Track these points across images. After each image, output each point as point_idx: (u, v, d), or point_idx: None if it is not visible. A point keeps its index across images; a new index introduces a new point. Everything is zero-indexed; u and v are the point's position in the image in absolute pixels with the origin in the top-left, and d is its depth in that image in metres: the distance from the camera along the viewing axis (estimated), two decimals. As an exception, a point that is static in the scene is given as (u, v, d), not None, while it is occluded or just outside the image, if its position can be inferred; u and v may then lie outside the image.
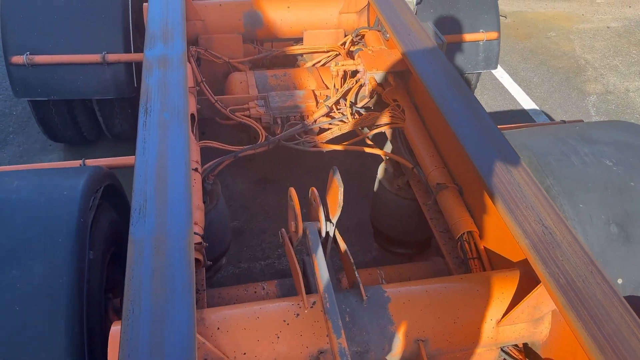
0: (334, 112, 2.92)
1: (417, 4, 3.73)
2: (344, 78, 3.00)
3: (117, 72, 3.37)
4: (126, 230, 1.65)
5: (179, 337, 1.37)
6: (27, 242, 1.72)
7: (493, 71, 5.30)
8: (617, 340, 1.41)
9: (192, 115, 2.54)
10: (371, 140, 2.90)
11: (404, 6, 3.08)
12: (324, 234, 1.81)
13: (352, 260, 1.75)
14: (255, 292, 2.18)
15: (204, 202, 2.26)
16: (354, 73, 3.00)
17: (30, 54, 3.24)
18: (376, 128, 2.81)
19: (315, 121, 2.88)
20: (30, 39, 3.29)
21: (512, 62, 6.01)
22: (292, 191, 1.86)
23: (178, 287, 1.48)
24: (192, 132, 2.44)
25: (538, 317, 1.70)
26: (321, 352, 1.59)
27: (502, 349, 1.84)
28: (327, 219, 1.80)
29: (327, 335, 1.56)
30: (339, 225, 1.88)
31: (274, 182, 3.95)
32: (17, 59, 3.24)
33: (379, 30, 3.25)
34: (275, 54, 3.56)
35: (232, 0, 3.53)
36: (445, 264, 2.27)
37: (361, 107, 2.93)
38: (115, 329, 1.52)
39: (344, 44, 3.49)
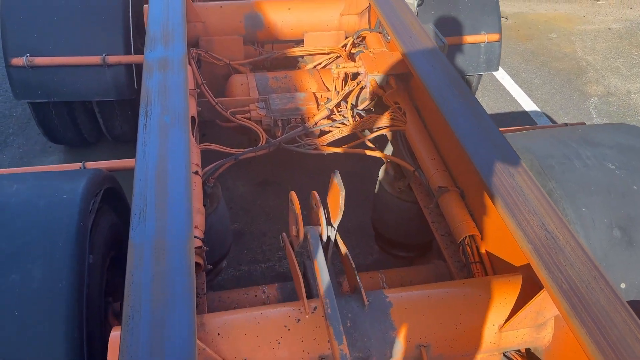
0: (335, 114, 2.91)
1: (418, 5, 3.72)
2: (345, 80, 2.99)
3: (118, 73, 3.36)
4: (126, 233, 1.64)
5: (179, 343, 1.36)
6: (26, 246, 1.71)
7: (494, 72, 5.29)
8: (621, 346, 1.39)
9: (193, 118, 2.53)
10: (372, 142, 2.89)
11: (405, 8, 3.07)
12: (325, 238, 1.80)
13: (353, 265, 1.74)
14: (255, 295, 2.17)
15: (205, 205, 2.25)
16: (355, 75, 2.99)
17: (30, 56, 3.23)
18: (377, 131, 2.80)
19: (316, 124, 2.87)
20: (30, 40, 3.28)
21: (513, 63, 6.00)
22: (293, 195, 1.85)
23: (178, 292, 1.47)
24: (193, 134, 2.43)
25: (541, 322, 1.69)
26: (322, 358, 1.58)
27: (504, 355, 1.84)
28: (329, 223, 1.79)
29: (328, 341, 1.55)
30: (339, 228, 1.87)
31: (275, 184, 3.94)
32: (17, 61, 3.23)
33: (380, 32, 3.24)
34: (276, 55, 3.55)
35: (233, 2, 3.52)
36: (447, 267, 2.26)
37: (362, 110, 2.92)
38: (115, 334, 1.51)
39: (345, 45, 3.48)
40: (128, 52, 3.38)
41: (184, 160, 1.88)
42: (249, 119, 2.88)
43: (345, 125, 2.84)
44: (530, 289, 1.70)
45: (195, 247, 1.87)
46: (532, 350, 1.82)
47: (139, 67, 3.24)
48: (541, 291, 1.58)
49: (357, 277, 1.68)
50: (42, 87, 3.33)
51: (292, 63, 3.77)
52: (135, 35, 3.45)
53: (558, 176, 2.12)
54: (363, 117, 2.85)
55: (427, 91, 2.39)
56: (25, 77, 3.29)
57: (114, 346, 1.47)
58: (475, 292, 1.76)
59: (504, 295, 1.74)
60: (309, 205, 1.98)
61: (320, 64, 3.55)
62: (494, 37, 3.93)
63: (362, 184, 3.76)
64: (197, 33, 3.37)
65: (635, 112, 5.23)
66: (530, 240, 1.64)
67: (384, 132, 2.81)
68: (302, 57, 3.68)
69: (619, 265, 1.97)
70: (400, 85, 2.84)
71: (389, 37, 3.06)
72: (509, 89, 5.52)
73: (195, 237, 1.92)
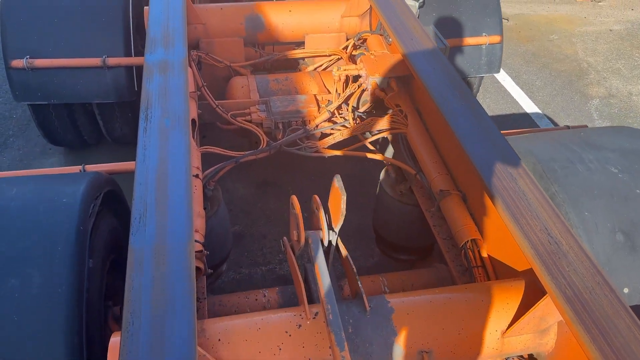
0: (336, 117, 2.90)
1: (420, 7, 3.71)
2: (346, 83, 2.98)
3: (118, 75, 3.35)
4: (126, 236, 1.63)
5: (179, 349, 1.35)
6: (26, 250, 1.70)
7: (495, 74, 5.28)
8: (625, 352, 1.38)
9: (193, 121, 2.52)
10: (373, 145, 2.88)
11: (406, 10, 3.06)
12: (326, 243, 1.79)
13: (355, 270, 1.73)
14: (256, 299, 2.15)
15: (205, 209, 2.24)
16: (356, 78, 2.97)
17: (30, 58, 3.22)
18: (378, 133, 2.79)
19: (317, 126, 2.86)
20: (30, 42, 3.27)
21: (514, 65, 5.99)
22: (295, 199, 1.84)
23: (178, 298, 1.46)
24: (193, 137, 2.42)
25: (544, 328, 1.68)
26: (324, 364, 1.57)
27: (507, 360, 1.82)
28: (330, 227, 1.78)
29: (329, 347, 1.54)
30: (340, 231, 1.85)
31: (275, 186, 3.93)
32: (17, 63, 3.22)
33: (381, 35, 3.23)
34: (276, 57, 3.54)
35: (234, 3, 3.51)
36: (448, 271, 2.25)
37: (363, 112, 2.91)
38: (114, 340, 1.50)
39: (346, 48, 3.47)
40: (128, 54, 3.37)
41: (184, 163, 1.87)
42: (250, 121, 2.87)
43: (346, 127, 2.83)
44: (533, 294, 1.69)
45: (196, 251, 1.86)
46: (535, 356, 1.81)
47: (139, 69, 3.23)
48: (544, 297, 1.56)
49: (359, 282, 1.67)
50: (42, 89, 3.32)
51: (293, 65, 3.76)
52: (135, 37, 3.44)
53: (561, 180, 2.11)
54: (364, 119, 2.84)
55: (428, 94, 2.38)
56: (25, 79, 3.28)
57: (113, 352, 1.46)
58: (477, 297, 1.75)
59: (506, 300, 1.73)
60: (310, 209, 1.96)
61: (321, 66, 3.54)
62: (496, 39, 3.92)
63: (362, 186, 3.75)
64: (197, 35, 3.36)
65: (637, 114, 5.22)
66: (533, 245, 1.63)
67: (385, 134, 2.80)
68: (302, 59, 3.67)
69: (622, 269, 1.95)
70: (401, 88, 2.83)
71: (390, 39, 3.05)
72: (510, 90, 5.50)
73: (196, 241, 1.91)
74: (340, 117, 2.90)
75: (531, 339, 1.71)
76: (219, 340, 1.55)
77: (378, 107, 2.96)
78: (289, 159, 2.77)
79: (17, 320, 1.60)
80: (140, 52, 3.43)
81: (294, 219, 1.86)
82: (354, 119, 2.85)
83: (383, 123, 2.77)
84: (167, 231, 1.63)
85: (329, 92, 3.16)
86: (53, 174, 2.44)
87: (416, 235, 2.64)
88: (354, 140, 2.85)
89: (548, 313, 1.61)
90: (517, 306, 1.71)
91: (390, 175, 2.69)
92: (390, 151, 3.00)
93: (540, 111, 5.19)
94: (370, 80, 2.81)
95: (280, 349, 1.56)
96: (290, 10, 3.49)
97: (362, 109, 2.93)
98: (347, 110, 2.89)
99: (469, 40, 3.87)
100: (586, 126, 3.05)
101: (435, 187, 2.38)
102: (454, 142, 2.14)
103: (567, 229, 1.69)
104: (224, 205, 2.42)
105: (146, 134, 1.98)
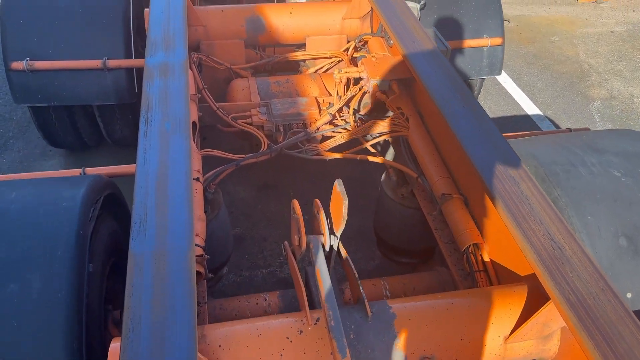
0: (337, 119, 2.89)
1: (421, 9, 3.70)
2: (347, 85, 2.97)
3: (118, 77, 3.34)
4: (126, 239, 1.62)
5: (179, 356, 1.34)
6: (25, 255, 1.69)
7: (496, 76, 5.27)
8: (629, 359, 1.37)
9: (194, 123, 2.51)
10: (374, 148, 2.87)
11: (407, 12, 3.04)
12: (327, 248, 1.78)
13: (356, 275, 1.72)
14: (257, 303, 2.14)
15: (205, 212, 2.23)
16: (357, 80, 2.96)
17: (30, 60, 3.22)
18: (379, 136, 2.77)
19: (318, 129, 2.85)
20: (30, 44, 3.26)
21: (515, 66, 5.98)
22: (296, 204, 1.83)
23: (179, 304, 1.44)
24: (194, 140, 2.41)
25: (547, 334, 1.67)
26: (325, 370, 1.55)
27: (509, 366, 1.81)
28: (331, 232, 1.77)
29: (331, 354, 1.52)
30: (341, 234, 1.84)
31: (276, 189, 3.92)
32: (17, 65, 3.21)
33: (382, 37, 3.22)
34: (277, 59, 3.53)
35: (234, 5, 3.51)
36: (450, 275, 2.24)
37: (364, 115, 2.90)
38: (114, 346, 1.49)
39: (347, 50, 3.46)
40: (129, 56, 3.36)
41: (184, 167, 1.86)
42: (250, 124, 2.86)
43: (348, 130, 2.82)
44: (536, 299, 1.68)
45: (196, 256, 1.84)
46: (537, 362, 1.80)
47: (140, 71, 3.22)
48: (548, 302, 1.55)
49: (361, 288, 1.66)
50: (42, 91, 3.31)
51: (294, 67, 3.75)
52: (136, 38, 3.43)
53: (563, 183, 2.10)
54: (365, 122, 2.83)
55: (430, 97, 2.37)
56: (25, 81, 3.27)
57: (113, 358, 1.45)
58: (480, 302, 1.73)
59: (509, 305, 1.71)
60: (312, 213, 1.95)
61: (322, 68, 3.53)
62: (497, 40, 3.90)
63: (363, 188, 3.74)
64: (198, 37, 3.35)
65: (639, 116, 5.21)
66: (536, 250, 1.61)
67: (386, 137, 2.78)
68: (303, 61, 3.66)
69: (625, 274, 1.94)
70: (403, 90, 2.82)
71: (391, 42, 3.04)
72: (511, 92, 5.49)
73: (196, 245, 1.90)
74: (342, 120, 2.89)
75: (534, 345, 1.69)
76: (220, 346, 1.54)
77: (379, 110, 2.95)
78: (289, 161, 2.76)
79: (17, 325, 1.59)
80: (140, 54, 3.42)
81: (295, 223, 1.85)
82: (355, 121, 2.84)
83: (384, 126, 2.76)
84: (167, 236, 1.62)
85: (330, 95, 3.15)
86: (53, 177, 2.43)
87: (417, 239, 2.63)
88: (355, 142, 2.84)
89: (551, 319, 1.60)
90: (519, 312, 1.70)
91: (392, 178, 2.68)
92: (391, 154, 2.99)
93: (541, 113, 5.18)
94: (372, 83, 2.80)
95: (281, 355, 1.54)
96: (291, 12, 3.48)
97: (363, 112, 2.92)
98: (348, 112, 2.88)
99: (470, 42, 3.86)
100: (588, 129, 3.04)
101: (437, 191, 2.36)
102: (456, 145, 2.13)
103: (570, 233, 1.68)
104: (224, 208, 2.41)
105: (147, 137, 1.97)
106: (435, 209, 2.38)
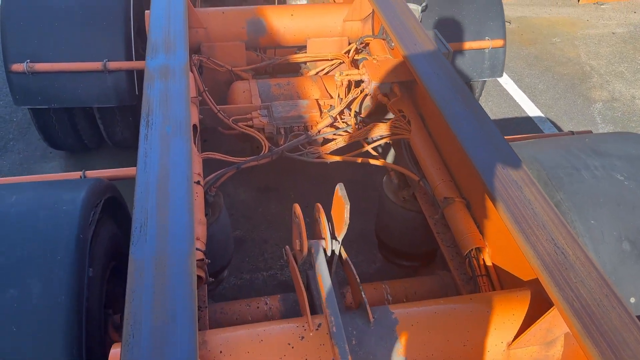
0: (338, 122, 2.88)
1: (422, 11, 3.69)
2: (349, 87, 2.96)
3: (119, 80, 3.33)
4: (127, 243, 1.61)
5: (180, 362, 1.33)
6: (25, 260, 1.69)
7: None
8: (634, 366, 1.36)
9: (194, 126, 2.50)
10: (375, 150, 2.86)
11: (409, 14, 3.03)
12: (329, 253, 1.77)
13: (358, 280, 1.70)
14: (258, 307, 2.13)
15: (206, 215, 2.22)
16: (359, 83, 2.95)
17: (30, 62, 3.21)
18: (381, 139, 2.76)
19: (319, 132, 2.84)
20: (30, 46, 3.25)
21: (516, 68, 5.96)
22: (297, 208, 1.82)
23: (179, 310, 1.43)
24: (194, 143, 2.40)
25: (550, 340, 1.65)
26: (327, 376, 1.54)
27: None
28: (333, 236, 1.76)
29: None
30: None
31: (276, 191, 3.91)
32: (18, 67, 3.21)
33: (383, 39, 3.21)
34: (278, 61, 3.52)
35: (235, 7, 3.49)
36: (452, 278, 2.22)
37: (366, 118, 2.89)
38: (114, 352, 1.48)
39: (348, 52, 3.45)
40: (129, 58, 3.35)
41: (185, 171, 1.85)
42: (251, 126, 2.85)
43: (349, 133, 2.80)
44: (539, 304, 1.66)
45: (197, 260, 1.83)
46: (540, 368, 1.79)
47: (140, 73, 3.21)
48: (551, 308, 1.54)
49: (363, 293, 1.64)
50: (43, 93, 3.30)
51: (295, 69, 3.74)
52: (136, 40, 3.42)
53: (566, 187, 2.08)
54: (367, 125, 2.82)
55: (432, 100, 2.35)
56: (26, 83, 3.26)
57: (113, 364, 1.44)
58: (482, 308, 1.72)
59: (512, 311, 1.70)
60: (313, 217, 1.94)
61: (323, 70, 3.52)
62: (498, 42, 3.89)
63: (365, 191, 3.73)
64: (199, 39, 3.34)
65: (640, 118, 5.20)
66: (539, 256, 1.60)
67: (387, 140, 2.77)
68: (304, 63, 3.65)
69: (628, 279, 1.93)
70: (404, 93, 2.81)
71: (392, 44, 3.03)
72: (513, 94, 5.48)
73: (197, 249, 1.89)
74: (343, 123, 2.88)
75: (537, 352, 1.68)
76: (221, 352, 1.53)
77: (381, 112, 2.94)
78: (290, 163, 2.75)
79: (16, 331, 1.58)
80: (141, 56, 3.41)
81: (297, 227, 1.84)
82: (356, 124, 2.83)
83: (386, 128, 2.75)
84: (168, 241, 1.61)
85: (331, 97, 3.13)
86: (53, 180, 2.42)
87: (419, 242, 2.61)
88: (357, 145, 2.83)
89: (555, 324, 1.59)
90: (523, 317, 1.69)
91: (393, 181, 2.67)
92: (393, 157, 2.97)
93: (542, 115, 5.17)
94: (373, 86, 2.79)
95: (282, 361, 1.53)
96: (292, 14, 3.47)
97: (364, 114, 2.90)
98: (350, 115, 2.87)
99: (472, 44, 3.85)
100: (590, 131, 3.03)
101: (438, 194, 2.35)
102: (458, 148, 2.11)
103: (574, 238, 1.67)
104: (225, 211, 2.40)
105: (147, 141, 1.96)
106: (437, 212, 2.37)
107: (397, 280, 2.31)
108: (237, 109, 2.97)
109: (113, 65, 3.27)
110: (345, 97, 2.91)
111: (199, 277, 1.87)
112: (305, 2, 5.37)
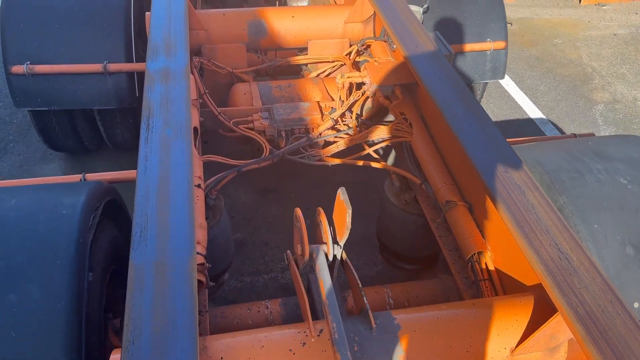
0: (340, 124, 2.87)
1: (424, 13, 3.68)
2: (350, 90, 2.94)
3: (119, 81, 3.32)
4: (127, 246, 1.60)
5: (181, 369, 1.32)
6: (24, 264, 1.67)
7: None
8: (639, 373, 1.35)
9: (195, 129, 2.48)
10: (377, 153, 2.85)
11: (410, 16, 3.02)
12: (331, 258, 1.75)
13: (360, 285, 1.69)
14: (258, 311, 2.12)
15: (207, 218, 2.21)
16: (360, 85, 2.94)
17: (30, 64, 3.20)
18: (382, 142, 2.75)
19: (320, 134, 2.83)
20: (30, 48, 3.24)
21: (518, 69, 5.95)
22: (299, 212, 1.80)
23: (180, 316, 1.42)
24: (195, 145, 2.39)
25: (554, 346, 1.64)
26: (328, 383, 1.53)
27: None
28: (335, 241, 1.75)
29: (335, 366, 1.50)
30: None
31: (277, 193, 3.89)
32: (17, 69, 3.20)
33: (385, 41, 3.20)
34: (279, 63, 3.51)
35: (236, 9, 3.48)
36: (454, 282, 2.21)
37: (367, 120, 2.87)
38: (114, 358, 1.47)
39: (350, 54, 3.43)
40: (130, 60, 3.34)
41: (186, 174, 1.83)
42: (252, 129, 2.83)
43: (350, 135, 2.79)
44: (543, 310, 1.65)
45: (197, 264, 1.82)
46: (544, 374, 1.77)
47: (141, 74, 3.20)
48: (555, 314, 1.53)
49: (365, 299, 1.63)
50: (43, 95, 3.29)
51: (296, 71, 3.72)
52: (137, 41, 3.41)
53: (569, 191, 2.07)
54: (368, 127, 2.81)
55: (433, 102, 2.34)
56: (26, 85, 3.25)
57: (113, 371, 1.43)
58: (485, 313, 1.71)
59: (515, 316, 1.69)
60: (314, 221, 1.93)
61: (324, 72, 3.50)
62: (500, 44, 3.88)
63: (366, 194, 3.72)
64: (199, 41, 3.33)
65: (642, 120, 5.18)
66: (543, 261, 1.59)
67: (389, 143, 2.76)
68: (305, 65, 3.64)
69: (632, 283, 1.92)
70: (406, 96, 2.80)
71: (394, 46, 3.01)
72: (514, 95, 5.47)
73: (198, 253, 1.88)
74: (344, 125, 2.86)
75: (541, 358, 1.66)
76: (222, 358, 1.51)
77: (382, 115, 2.92)
78: (291, 166, 2.74)
79: (16, 336, 1.57)
80: (141, 57, 3.40)
81: (298, 232, 1.82)
82: (357, 126, 2.82)
83: (387, 131, 2.74)
84: (168, 245, 1.59)
85: (333, 99, 3.12)
86: (53, 183, 2.40)
87: (421, 245, 2.60)
88: (358, 148, 2.81)
89: (559, 331, 1.57)
90: (526, 323, 1.67)
91: (395, 184, 2.66)
92: (395, 160, 2.96)
93: (544, 117, 5.15)
94: (374, 88, 2.78)
95: (284, 368, 1.52)
96: (293, 16, 3.45)
97: (365, 117, 2.89)
98: (351, 117, 2.85)
99: (474, 46, 3.84)
100: (593, 134, 3.01)
101: (440, 198, 2.34)
102: (460, 151, 2.10)
103: (578, 243, 1.66)
104: (226, 214, 2.38)
105: (148, 144, 1.95)
106: (439, 216, 2.36)
107: (398, 284, 2.30)
108: (238, 111, 2.95)
109: (113, 67, 3.26)
110: (347, 99, 2.90)
111: (199, 281, 1.85)
112: (306, 3, 5.36)
